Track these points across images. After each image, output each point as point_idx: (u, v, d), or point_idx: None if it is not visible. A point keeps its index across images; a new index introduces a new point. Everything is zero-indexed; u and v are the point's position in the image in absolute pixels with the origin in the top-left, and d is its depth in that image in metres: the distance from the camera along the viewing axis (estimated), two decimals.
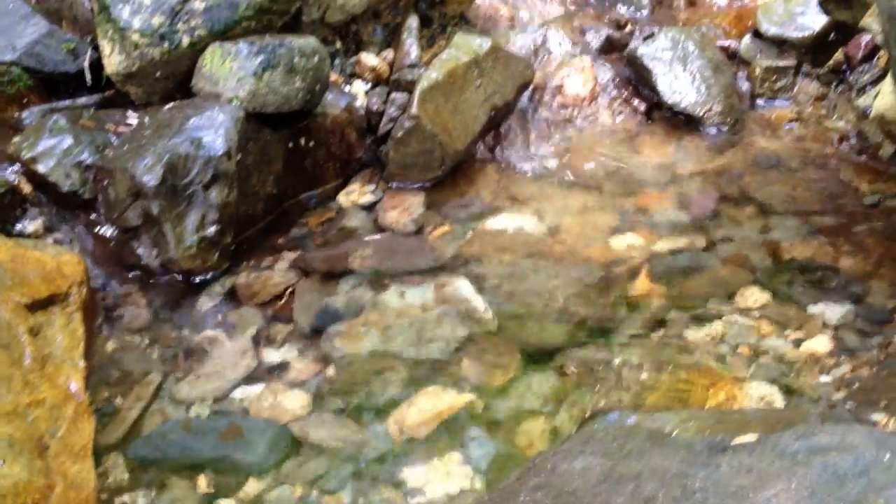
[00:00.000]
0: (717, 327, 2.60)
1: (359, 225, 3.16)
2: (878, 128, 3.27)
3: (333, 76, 3.52)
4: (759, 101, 3.81)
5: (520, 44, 3.88)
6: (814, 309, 2.63)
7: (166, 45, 2.98)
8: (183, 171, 2.78)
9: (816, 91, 3.76)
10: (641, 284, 2.82)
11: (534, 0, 4.18)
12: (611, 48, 3.96)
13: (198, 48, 3.02)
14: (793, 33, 3.79)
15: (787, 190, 3.23)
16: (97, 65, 3.15)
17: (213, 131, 2.85)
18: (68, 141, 2.86)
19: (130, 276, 2.84)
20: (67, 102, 3.11)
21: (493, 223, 3.15)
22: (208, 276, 2.84)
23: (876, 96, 3.30)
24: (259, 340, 2.65)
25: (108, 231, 2.87)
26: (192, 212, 2.80)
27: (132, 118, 3.04)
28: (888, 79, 3.03)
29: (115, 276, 2.84)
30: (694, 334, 2.58)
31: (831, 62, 3.77)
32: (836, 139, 3.48)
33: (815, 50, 3.79)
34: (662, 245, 2.99)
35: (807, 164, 3.38)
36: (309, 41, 3.13)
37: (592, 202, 3.27)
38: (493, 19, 4.11)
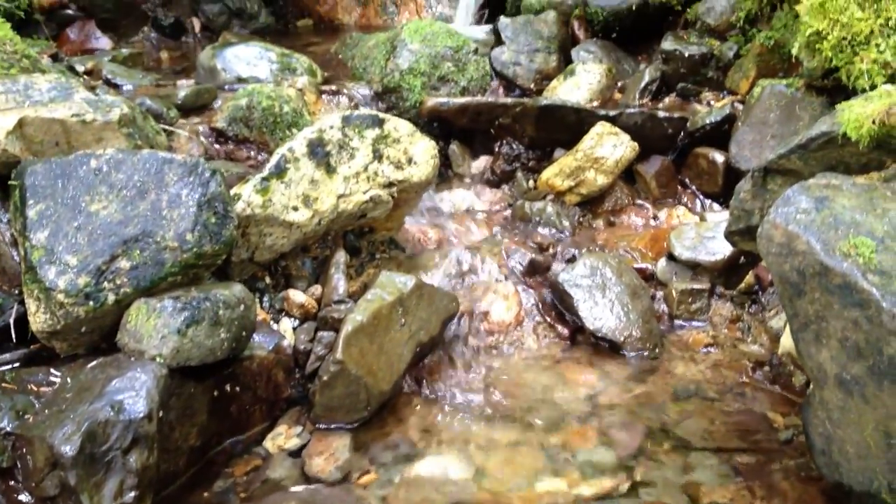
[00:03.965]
0: None
1: (284, 475, 3.15)
2: (789, 359, 3.40)
3: (262, 314, 3.59)
4: (678, 322, 3.95)
5: (446, 269, 4.02)
6: None
7: (91, 303, 3.02)
8: (102, 438, 2.76)
9: (731, 313, 3.91)
10: None
11: (461, 223, 4.35)
12: (534, 271, 4.11)
13: (123, 304, 3.07)
14: (704, 257, 3.97)
15: (705, 424, 3.30)
16: (23, 319, 3.17)
17: (134, 393, 2.85)
18: None
19: None
20: None
21: (418, 468, 3.16)
22: None
23: (786, 324, 3.45)
24: None
25: (26, 499, 2.82)
26: (111, 479, 2.76)
27: (55, 376, 3.05)
28: None
29: None
30: None
31: (743, 284, 3.93)
32: (750, 367, 3.59)
33: (727, 272, 3.95)
34: (587, 490, 3.02)
35: (724, 394, 3.48)
36: (234, 291, 3.20)
37: (518, 438, 3.31)
38: (421, 242, 4.25)
